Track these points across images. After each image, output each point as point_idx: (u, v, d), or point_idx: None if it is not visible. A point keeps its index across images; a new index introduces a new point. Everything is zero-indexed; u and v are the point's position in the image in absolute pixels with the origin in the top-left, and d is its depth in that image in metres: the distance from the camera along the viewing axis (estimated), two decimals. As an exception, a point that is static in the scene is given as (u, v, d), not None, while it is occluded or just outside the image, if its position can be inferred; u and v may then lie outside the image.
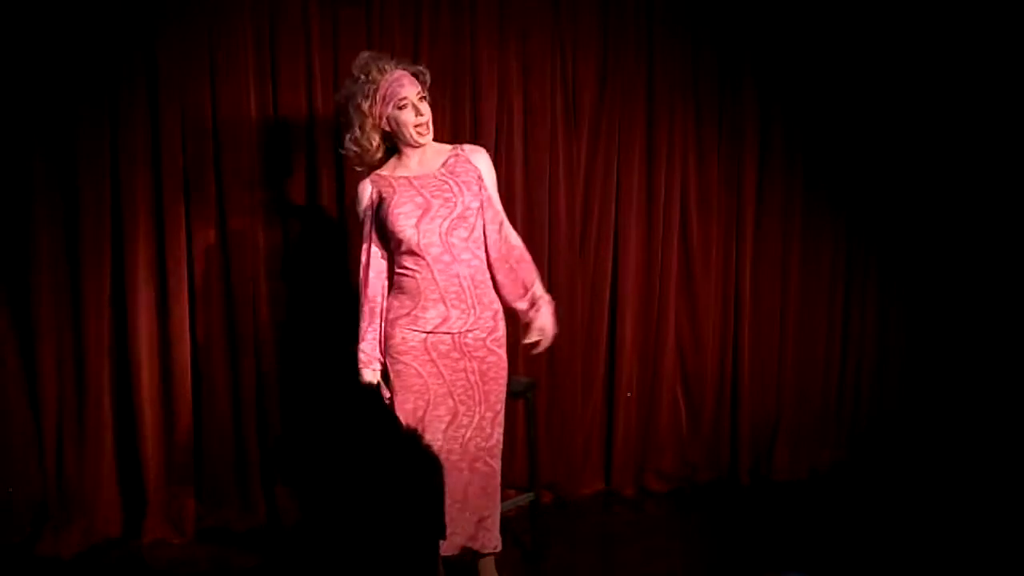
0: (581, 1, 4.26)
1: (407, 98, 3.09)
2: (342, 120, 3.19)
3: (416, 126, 3.11)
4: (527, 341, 3.26)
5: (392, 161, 3.22)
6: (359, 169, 3.25)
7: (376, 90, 3.09)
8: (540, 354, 4.28)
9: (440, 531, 1.40)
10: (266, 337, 3.99)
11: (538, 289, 3.24)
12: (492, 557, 3.27)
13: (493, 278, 3.21)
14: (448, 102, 4.13)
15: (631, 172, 4.39)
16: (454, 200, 3.10)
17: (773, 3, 4.47)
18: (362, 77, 3.11)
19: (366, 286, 3.16)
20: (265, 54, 3.90)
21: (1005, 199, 4.75)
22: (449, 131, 4.14)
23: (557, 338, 4.31)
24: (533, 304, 3.23)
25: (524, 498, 3.88)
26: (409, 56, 4.02)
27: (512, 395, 3.80)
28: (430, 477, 1.41)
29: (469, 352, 3.16)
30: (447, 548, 3.09)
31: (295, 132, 3.95)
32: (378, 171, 3.20)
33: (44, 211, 3.72)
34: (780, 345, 4.68)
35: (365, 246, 3.17)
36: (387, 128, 3.13)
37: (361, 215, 3.19)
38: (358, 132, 3.13)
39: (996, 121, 4.71)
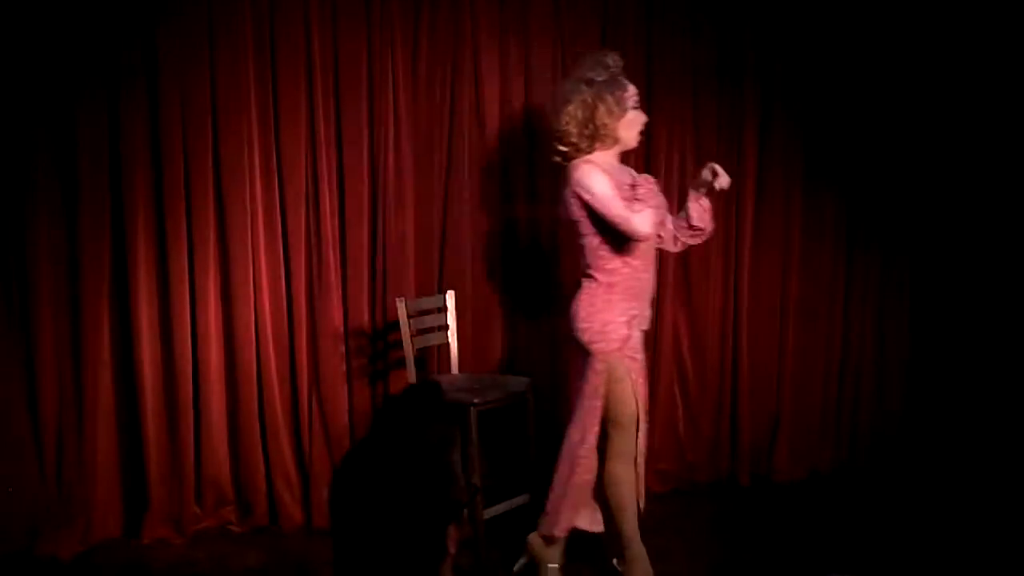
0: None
1: (638, 104, 3.34)
2: (578, 99, 3.27)
3: (641, 130, 3.37)
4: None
5: (607, 161, 3.32)
6: (565, 149, 3.31)
7: (626, 87, 3.32)
8: (541, 354, 4.32)
9: (443, 552, 1.41)
10: (267, 335, 3.99)
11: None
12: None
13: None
14: (448, 101, 4.13)
15: (631, 171, 4.39)
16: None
17: (773, 3, 4.47)
18: (621, 75, 3.32)
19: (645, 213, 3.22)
20: (265, 47, 3.90)
21: (1009, 195, 4.70)
22: (447, 130, 4.15)
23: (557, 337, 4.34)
24: None
25: (524, 498, 3.88)
26: (409, 51, 4.03)
27: (512, 395, 3.81)
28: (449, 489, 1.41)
29: (645, 346, 3.42)
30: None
31: (296, 128, 3.95)
32: (599, 163, 3.28)
33: (44, 210, 3.72)
34: (780, 345, 4.67)
35: (618, 203, 3.20)
36: (617, 122, 3.29)
37: (606, 191, 3.19)
38: (609, 114, 3.26)
39: (999, 113, 4.65)
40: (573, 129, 3.28)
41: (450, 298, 4.04)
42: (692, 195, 3.46)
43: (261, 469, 4.03)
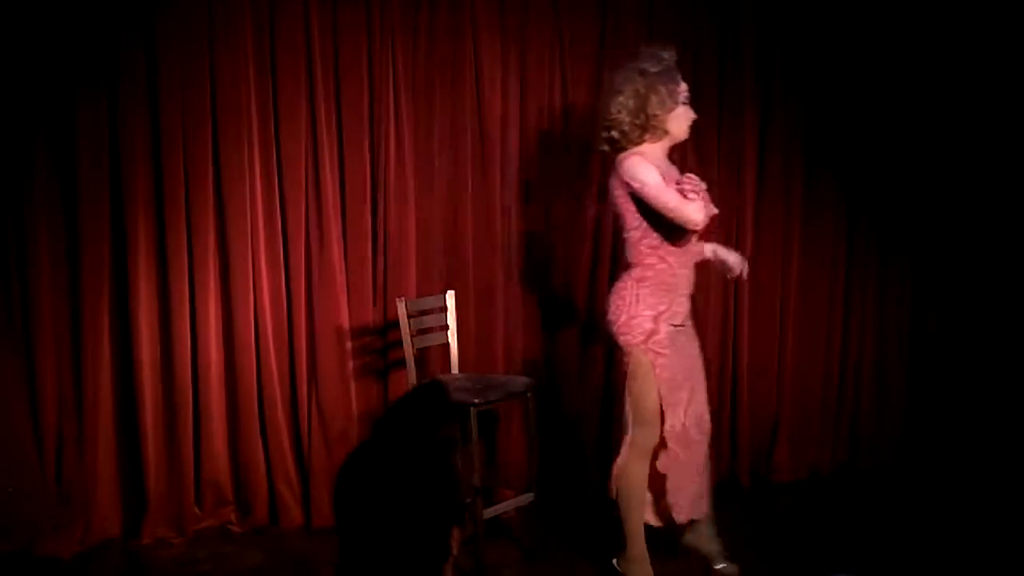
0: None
1: (688, 99, 3.35)
2: (630, 89, 3.28)
3: (690, 123, 3.36)
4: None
5: (656, 154, 3.32)
6: (615, 136, 3.31)
7: (678, 81, 3.33)
8: (540, 354, 4.32)
9: (445, 552, 1.41)
10: (267, 335, 3.98)
11: None
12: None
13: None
14: (449, 100, 4.13)
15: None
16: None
17: (770, 4, 4.47)
18: (674, 70, 3.33)
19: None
20: (265, 46, 3.90)
21: (1012, 186, 4.66)
22: (447, 129, 4.15)
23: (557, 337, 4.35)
24: None
25: (524, 498, 3.88)
26: (409, 51, 4.03)
27: (512, 395, 3.81)
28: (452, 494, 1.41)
29: (693, 335, 3.47)
30: (692, 513, 3.44)
31: (296, 127, 3.95)
32: (648, 155, 3.28)
33: (44, 210, 3.72)
34: (780, 345, 4.66)
35: (671, 192, 3.22)
36: (667, 114, 3.30)
37: (658, 181, 3.21)
38: (661, 106, 3.27)
39: (1001, 98, 4.61)
40: (625, 118, 3.28)
41: (450, 298, 4.03)
42: (716, 253, 3.52)
43: (261, 469, 4.03)
